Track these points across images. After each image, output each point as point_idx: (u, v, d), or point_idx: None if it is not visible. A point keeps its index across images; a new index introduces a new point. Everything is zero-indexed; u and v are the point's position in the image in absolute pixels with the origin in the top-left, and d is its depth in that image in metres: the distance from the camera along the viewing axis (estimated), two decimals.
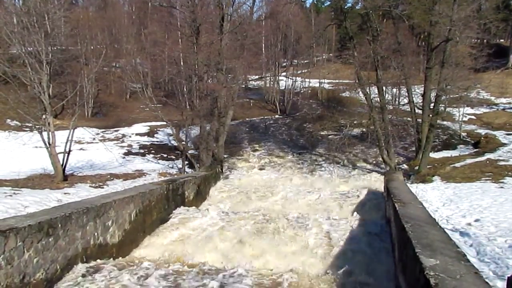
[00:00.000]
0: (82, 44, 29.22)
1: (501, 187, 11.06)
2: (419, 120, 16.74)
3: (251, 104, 33.34)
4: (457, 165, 14.65)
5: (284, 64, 40.23)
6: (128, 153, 18.32)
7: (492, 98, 28.38)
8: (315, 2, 52.33)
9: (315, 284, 5.70)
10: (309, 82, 36.53)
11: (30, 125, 14.79)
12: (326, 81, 37.27)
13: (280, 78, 35.86)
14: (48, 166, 12.45)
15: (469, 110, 24.11)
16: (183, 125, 17.05)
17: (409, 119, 18.22)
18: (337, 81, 36.91)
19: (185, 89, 17.50)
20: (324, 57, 43.70)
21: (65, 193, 10.17)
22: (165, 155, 18.28)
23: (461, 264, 3.72)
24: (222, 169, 15.84)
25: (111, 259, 6.32)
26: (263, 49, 34.44)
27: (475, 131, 21.31)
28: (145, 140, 21.10)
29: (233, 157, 18.84)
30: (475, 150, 17.79)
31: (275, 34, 34.79)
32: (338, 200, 10.99)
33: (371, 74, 16.55)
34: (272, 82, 35.77)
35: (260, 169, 17.16)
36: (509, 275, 2.94)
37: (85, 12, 37.91)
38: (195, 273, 5.83)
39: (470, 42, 23.27)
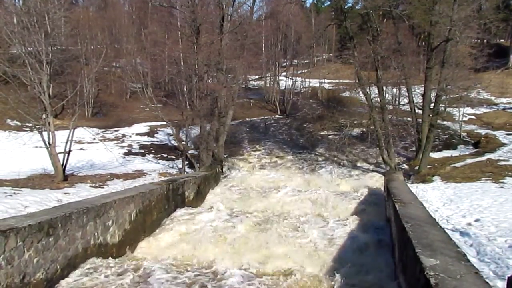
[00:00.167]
0: (82, 44, 29.21)
1: (501, 187, 11.05)
2: (419, 120, 16.72)
3: (251, 104, 33.33)
4: (457, 165, 14.64)
5: (284, 64, 40.20)
6: (128, 153, 18.32)
7: (492, 98, 28.37)
8: (315, 2, 52.36)
9: (314, 284, 5.70)
10: (309, 82, 36.50)
11: (30, 125, 14.79)
12: (326, 81, 37.26)
13: (280, 78, 35.83)
14: (48, 166, 12.45)
15: (469, 110, 24.09)
16: (183, 125, 17.05)
17: (409, 119, 18.21)
18: (337, 81, 36.91)
19: (185, 89, 17.48)
20: (324, 57, 43.66)
21: (65, 193, 10.17)
22: (165, 155, 18.28)
23: (461, 264, 3.73)
24: (222, 169, 15.85)
25: (111, 259, 6.32)
26: (263, 49, 34.41)
27: (475, 131, 21.30)
28: (145, 140, 21.10)
29: (233, 157, 18.83)
30: (475, 150, 17.77)
31: (275, 34, 34.75)
32: (338, 200, 10.99)
33: (371, 74, 16.54)
34: (272, 82, 35.74)
35: (260, 169, 17.16)
36: (509, 275, 2.94)
37: (85, 12, 37.90)
38: (195, 273, 5.83)
39: (470, 42, 23.26)
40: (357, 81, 16.78)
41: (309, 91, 36.19)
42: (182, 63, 17.77)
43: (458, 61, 15.69)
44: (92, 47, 31.40)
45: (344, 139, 16.42)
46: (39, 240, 4.88)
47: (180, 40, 20.34)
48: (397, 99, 22.45)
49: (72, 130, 12.43)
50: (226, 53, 15.35)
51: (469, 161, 15.13)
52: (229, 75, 16.46)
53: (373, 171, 16.22)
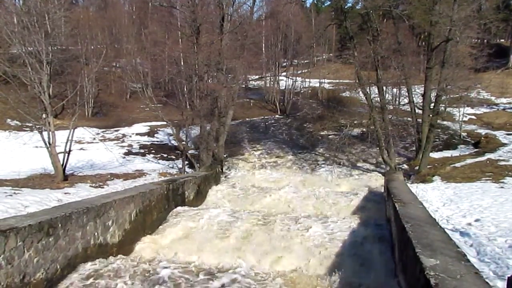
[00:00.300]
0: (82, 44, 29.23)
1: (502, 187, 11.05)
2: (419, 120, 16.73)
3: (251, 104, 33.35)
4: (457, 165, 14.64)
5: (284, 64, 40.20)
6: (128, 153, 18.33)
7: (493, 98, 28.38)
8: (315, 2, 52.36)
9: (314, 284, 5.70)
10: (309, 82, 36.52)
11: (30, 125, 14.79)
12: (326, 81, 37.27)
13: (280, 78, 35.84)
14: (48, 166, 12.46)
15: (469, 110, 24.10)
16: (183, 125, 17.05)
17: (409, 119, 18.22)
18: (337, 81, 36.92)
19: (185, 89, 17.48)
20: (324, 57, 43.67)
21: (65, 193, 10.17)
22: (165, 155, 18.29)
23: (461, 264, 3.73)
24: (222, 169, 15.85)
25: (112, 259, 6.32)
26: (263, 49, 34.41)
27: (475, 131, 21.30)
28: (145, 140, 21.11)
29: (234, 157, 18.84)
30: (476, 150, 17.78)
31: (275, 34, 34.75)
32: (338, 200, 10.99)
33: (371, 74, 16.54)
34: (272, 82, 35.75)
35: (261, 168, 17.17)
36: (509, 275, 2.94)
37: (85, 12, 37.93)
38: (196, 272, 5.83)
39: (470, 42, 23.22)
40: (357, 81, 16.77)
41: (309, 91, 36.19)
42: (182, 63, 17.76)
43: (458, 61, 15.68)
44: (92, 47, 31.40)
45: (344, 139, 16.42)
46: (39, 240, 4.88)
47: (180, 40, 20.34)
48: (397, 99, 22.44)
49: (72, 130, 12.42)
50: (226, 53, 15.34)
51: (469, 161, 15.13)
52: (229, 75, 16.46)
53: (373, 171, 16.23)
